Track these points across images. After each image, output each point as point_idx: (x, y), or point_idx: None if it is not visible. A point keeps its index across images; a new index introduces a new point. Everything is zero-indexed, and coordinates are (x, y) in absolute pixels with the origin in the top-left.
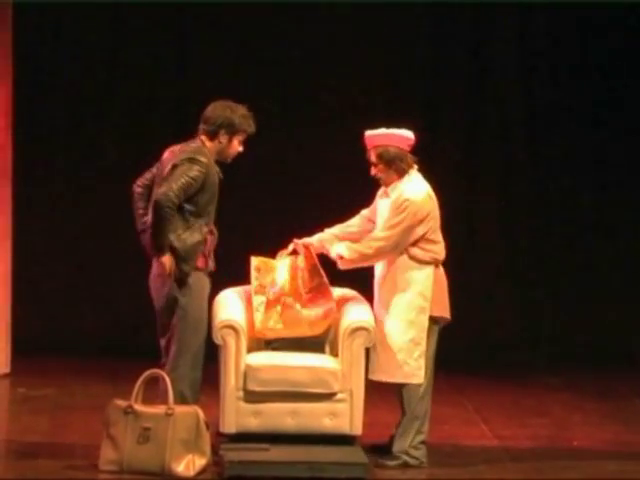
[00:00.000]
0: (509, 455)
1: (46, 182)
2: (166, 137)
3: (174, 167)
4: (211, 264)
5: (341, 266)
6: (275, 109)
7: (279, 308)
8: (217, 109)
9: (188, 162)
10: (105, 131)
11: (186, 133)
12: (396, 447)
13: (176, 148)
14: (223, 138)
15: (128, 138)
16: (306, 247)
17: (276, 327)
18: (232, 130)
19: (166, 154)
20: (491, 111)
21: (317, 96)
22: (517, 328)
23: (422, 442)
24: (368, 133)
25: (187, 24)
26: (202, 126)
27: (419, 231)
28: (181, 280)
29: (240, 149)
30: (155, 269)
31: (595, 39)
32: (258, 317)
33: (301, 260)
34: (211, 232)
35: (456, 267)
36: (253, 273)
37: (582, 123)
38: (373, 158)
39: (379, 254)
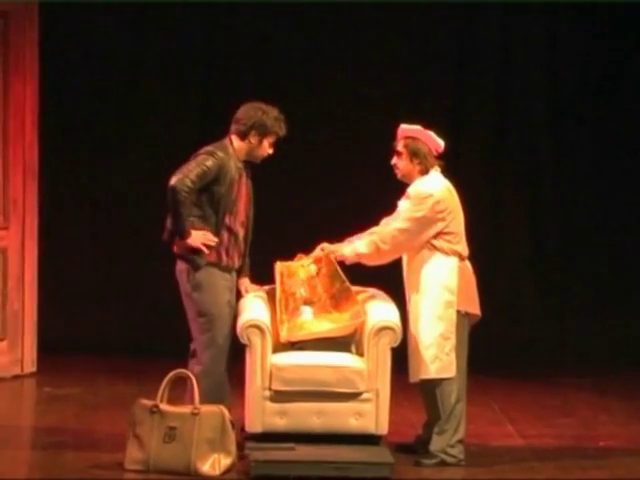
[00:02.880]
0: (535, 455)
1: (73, 181)
2: (192, 135)
3: (192, 158)
4: (226, 259)
5: (362, 260)
6: (305, 108)
7: (300, 318)
8: (249, 110)
9: (205, 154)
10: (132, 129)
11: (212, 128)
12: (434, 446)
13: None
14: (253, 138)
15: (155, 136)
16: (325, 255)
17: (301, 333)
18: (263, 131)
19: None
20: (517, 109)
21: (348, 97)
22: (543, 328)
23: (459, 441)
24: (403, 125)
25: (214, 22)
26: (233, 126)
27: (439, 225)
28: (194, 275)
29: (270, 151)
30: (177, 265)
31: (623, 43)
32: (283, 327)
33: (314, 269)
34: (229, 230)
35: (482, 265)
36: (277, 279)
37: (609, 121)
38: (400, 147)
39: (396, 246)
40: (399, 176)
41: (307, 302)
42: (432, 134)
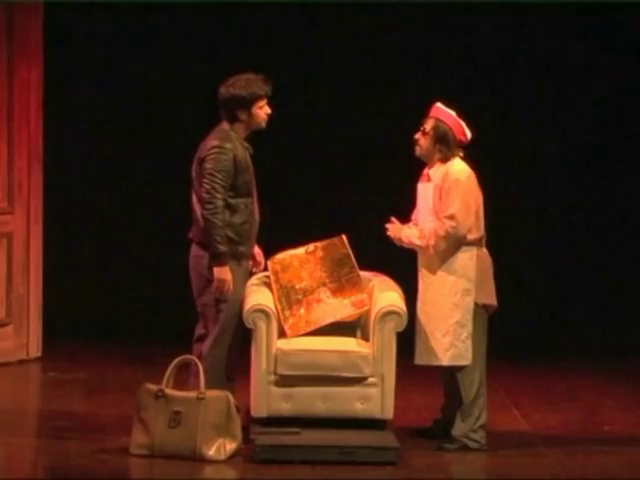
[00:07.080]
0: (540, 439)
1: (77, 165)
2: (197, 119)
3: (202, 163)
4: (244, 249)
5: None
6: (323, 97)
7: (303, 310)
8: (223, 93)
9: (214, 154)
10: (137, 115)
11: (217, 111)
12: (456, 431)
13: (205, 141)
14: (242, 115)
15: (160, 122)
16: (340, 238)
17: (307, 328)
18: (245, 104)
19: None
20: (523, 93)
21: (368, 92)
22: (549, 312)
23: (482, 426)
24: (439, 104)
25: (218, 17)
26: (222, 112)
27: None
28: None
29: (267, 112)
30: (193, 251)
31: (629, 39)
32: (287, 324)
33: (319, 249)
34: (252, 214)
35: (488, 250)
36: (272, 278)
37: (612, 110)
38: (428, 127)
39: (451, 242)
40: (417, 152)
41: (307, 290)
42: (463, 123)
